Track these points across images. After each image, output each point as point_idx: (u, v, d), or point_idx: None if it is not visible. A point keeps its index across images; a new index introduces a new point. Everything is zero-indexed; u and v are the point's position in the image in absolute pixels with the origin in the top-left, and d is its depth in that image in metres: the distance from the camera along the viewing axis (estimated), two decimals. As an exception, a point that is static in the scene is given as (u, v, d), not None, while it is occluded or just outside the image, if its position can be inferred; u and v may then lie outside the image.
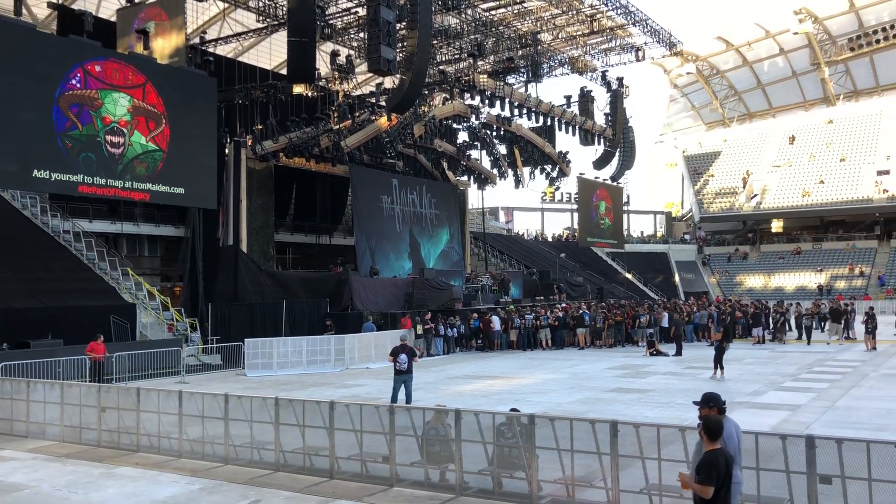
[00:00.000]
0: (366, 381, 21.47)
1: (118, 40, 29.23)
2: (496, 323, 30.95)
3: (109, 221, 32.53)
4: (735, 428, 6.70)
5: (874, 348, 26.91)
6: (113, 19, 32.00)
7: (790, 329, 33.82)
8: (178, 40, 28.93)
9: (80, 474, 11.00)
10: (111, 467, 11.41)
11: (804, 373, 21.18)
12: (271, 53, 42.72)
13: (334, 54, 34.13)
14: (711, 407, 6.64)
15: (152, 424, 12.41)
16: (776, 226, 69.33)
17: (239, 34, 37.79)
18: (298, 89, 34.49)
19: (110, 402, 13.12)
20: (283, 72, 37.58)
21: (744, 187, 69.73)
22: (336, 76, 34.45)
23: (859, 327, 29.72)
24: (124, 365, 21.57)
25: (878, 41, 69.43)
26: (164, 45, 28.91)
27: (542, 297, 40.35)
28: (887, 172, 63.10)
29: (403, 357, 15.87)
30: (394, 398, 15.70)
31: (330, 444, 10.40)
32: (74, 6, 34.12)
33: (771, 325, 32.20)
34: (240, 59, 40.68)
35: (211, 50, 35.68)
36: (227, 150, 34.18)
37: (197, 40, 35.72)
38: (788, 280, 61.32)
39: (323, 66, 36.38)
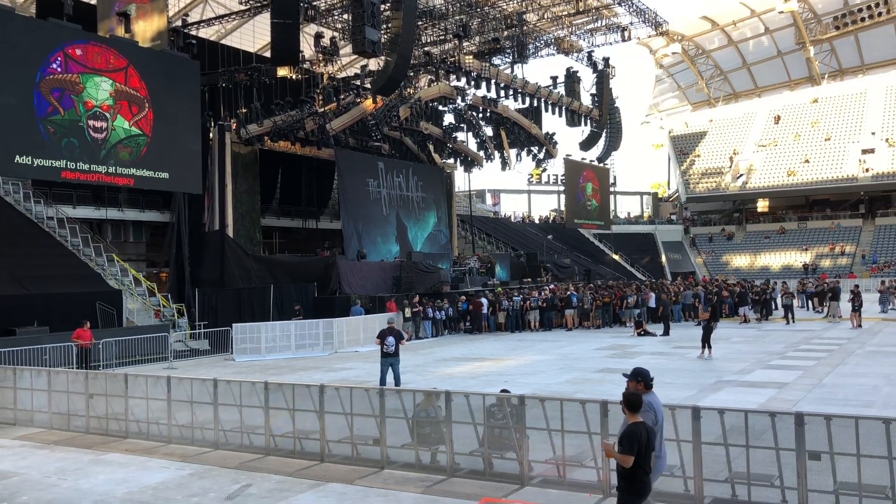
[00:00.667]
0: (355, 364, 21.47)
1: (99, 23, 28.83)
2: (484, 305, 30.99)
3: (94, 207, 32.24)
4: (658, 405, 6.85)
5: (860, 326, 27.15)
6: (93, 2, 31.53)
7: (776, 308, 34.09)
8: (160, 23, 28.62)
9: (69, 461, 10.94)
10: (100, 454, 11.36)
11: (791, 351, 21.34)
12: (255, 36, 42.30)
13: (318, 36, 33.85)
14: (639, 381, 6.80)
15: (141, 410, 12.35)
16: (762, 205, 69.64)
17: (221, 16, 37.38)
18: (283, 72, 34.20)
19: (98, 388, 13.05)
20: (267, 54, 37.28)
21: (730, 167, 69.94)
22: (320, 58, 34.18)
23: (845, 305, 29.94)
24: (111, 351, 21.46)
25: (862, 19, 69.57)
26: (145, 28, 28.58)
27: (529, 280, 40.42)
28: (872, 151, 63.43)
29: (391, 340, 15.87)
30: (382, 381, 15.70)
31: (320, 428, 10.39)
32: (53, -11, 33.58)
33: (750, 303, 32.47)
34: (223, 41, 40.24)
35: (193, 33, 35.26)
36: (211, 135, 33.92)
37: (179, 23, 35.30)
38: (774, 259, 61.69)
39: (307, 48, 36.03)
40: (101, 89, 24.93)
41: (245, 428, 11.25)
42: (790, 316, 30.04)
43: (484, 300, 31.33)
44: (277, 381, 11.39)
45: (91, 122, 24.64)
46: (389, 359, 15.92)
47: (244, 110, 34.69)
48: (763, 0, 70.32)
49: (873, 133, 65.51)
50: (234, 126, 34.16)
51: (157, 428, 12.16)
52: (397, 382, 15.67)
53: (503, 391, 9.81)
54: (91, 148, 24.62)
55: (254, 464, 10.39)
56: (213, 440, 11.44)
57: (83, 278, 26.91)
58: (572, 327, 30.79)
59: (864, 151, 63.79)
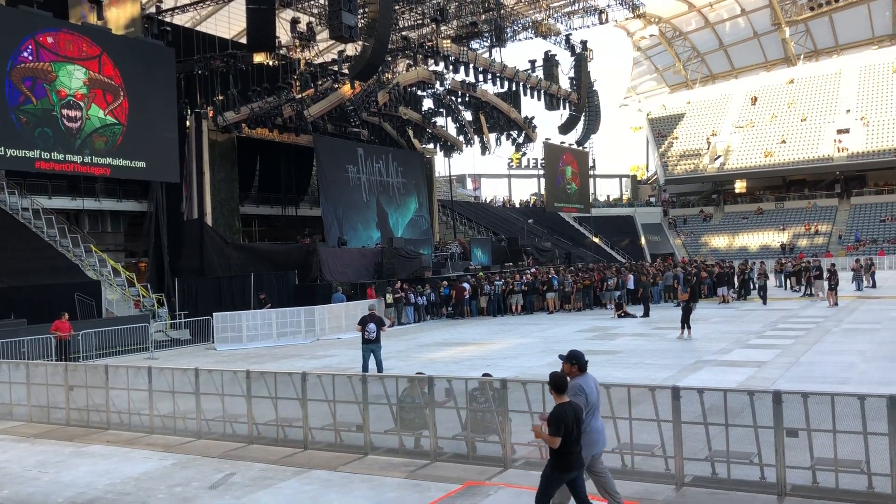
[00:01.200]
0: (337, 351, 21.46)
1: (70, 10, 28.38)
2: (466, 290, 31.05)
3: (69, 197, 31.85)
4: (594, 383, 7.12)
5: (836, 304, 27.49)
6: (64, -11, 31.06)
7: (754, 287, 34.44)
8: (134, 10, 28.24)
9: (49, 454, 10.88)
10: (81, 446, 11.30)
11: (769, 330, 21.59)
12: (230, 22, 41.82)
13: (294, 21, 33.55)
14: (573, 364, 7.03)
15: (122, 401, 12.29)
16: (739, 186, 70.13)
17: (196, 2, 36.93)
18: (259, 58, 33.90)
19: (78, 380, 12.96)
20: (243, 41, 36.91)
21: (707, 149, 70.33)
22: (297, 44, 33.91)
23: (822, 284, 30.31)
24: (91, 343, 21.30)
25: (836, 0, 69.98)
26: (118, 16, 28.19)
27: (510, 263, 40.53)
28: (847, 131, 64.02)
29: (372, 326, 15.89)
30: (364, 367, 15.73)
31: (303, 415, 10.39)
32: (23, -24, 33.00)
33: (736, 284, 32.83)
34: (198, 28, 39.75)
35: (168, 20, 34.82)
36: (187, 123, 33.60)
37: (153, 10, 34.78)
38: (752, 240, 62.24)
39: (283, 33, 35.69)
40: (74, 78, 24.60)
41: (228, 417, 11.22)
42: (763, 295, 30.32)
43: (466, 285, 31.38)
44: (259, 370, 11.37)
45: (65, 112, 24.33)
46: (371, 345, 15.95)
47: (221, 97, 34.36)
48: (739, -19, 70.61)
49: (848, 111, 66.16)
50: (210, 114, 33.84)
51: (139, 419, 12.11)
52: (380, 368, 15.71)
53: (485, 375, 9.86)
54: (65, 137, 24.32)
55: (237, 452, 10.38)
56: (196, 430, 11.41)
57: (61, 270, 26.63)
58: (553, 310, 30.95)
59: (840, 132, 64.39)
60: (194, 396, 11.47)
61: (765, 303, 29.82)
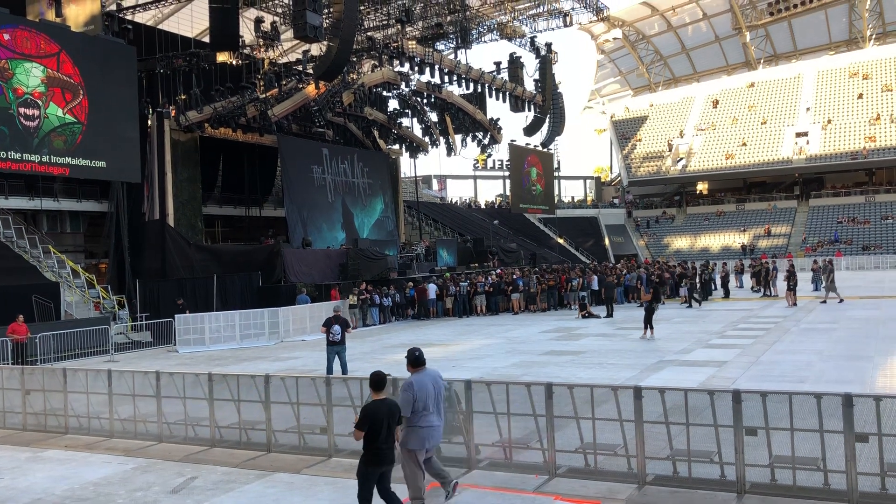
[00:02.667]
0: (301, 353, 21.32)
1: (28, 7, 27.83)
2: (431, 291, 31.03)
3: (27, 197, 31.22)
4: (431, 379, 7.46)
5: (795, 304, 27.99)
6: (21, -15, 30.45)
7: (715, 288, 34.94)
8: (93, 7, 27.76)
9: (4, 459, 10.64)
10: (38, 451, 11.08)
11: (730, 330, 21.91)
12: (192, 21, 41.31)
13: (258, 21, 33.20)
14: (410, 361, 7.53)
15: (81, 405, 12.07)
16: (701, 188, 71.16)
17: (158, 0, 36.43)
18: (222, 58, 33.57)
19: (35, 384, 12.70)
20: (206, 40, 36.48)
21: (670, 151, 71.23)
22: (261, 43, 33.59)
23: (781, 284, 30.85)
24: (49, 346, 20.90)
25: (795, 6, 71.47)
26: (78, 13, 27.69)
27: (476, 265, 40.60)
28: (805, 134, 65.31)
29: (336, 328, 15.82)
30: (329, 369, 15.64)
31: (266, 418, 10.30)
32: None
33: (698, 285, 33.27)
34: (160, 26, 39.25)
35: (129, 17, 34.31)
36: (149, 122, 33.14)
37: (113, 7, 34.22)
38: (714, 241, 63.15)
39: (247, 33, 35.36)
40: (31, 76, 24.13)
41: (189, 420, 11.09)
42: (689, 302, 30.44)
43: (432, 286, 31.37)
44: (222, 372, 11.26)
45: (22, 110, 23.84)
46: (336, 347, 15.88)
47: (183, 97, 33.96)
48: (701, -14, 71.68)
49: (808, 108, 67.53)
50: (172, 113, 33.42)
51: (99, 422, 11.90)
52: (344, 370, 15.63)
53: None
54: (23, 136, 23.84)
55: (199, 456, 10.26)
56: (157, 433, 11.25)
57: (17, 271, 26.09)
58: (518, 311, 31.08)
59: (799, 135, 65.68)
60: (155, 399, 11.31)
61: (690, 306, 30.05)
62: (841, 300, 28.40)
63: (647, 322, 20.93)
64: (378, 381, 7.07)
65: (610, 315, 27.26)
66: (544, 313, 30.62)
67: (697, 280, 33.34)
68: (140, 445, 11.01)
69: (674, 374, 14.85)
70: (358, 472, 7.01)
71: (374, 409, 6.86)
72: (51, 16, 27.08)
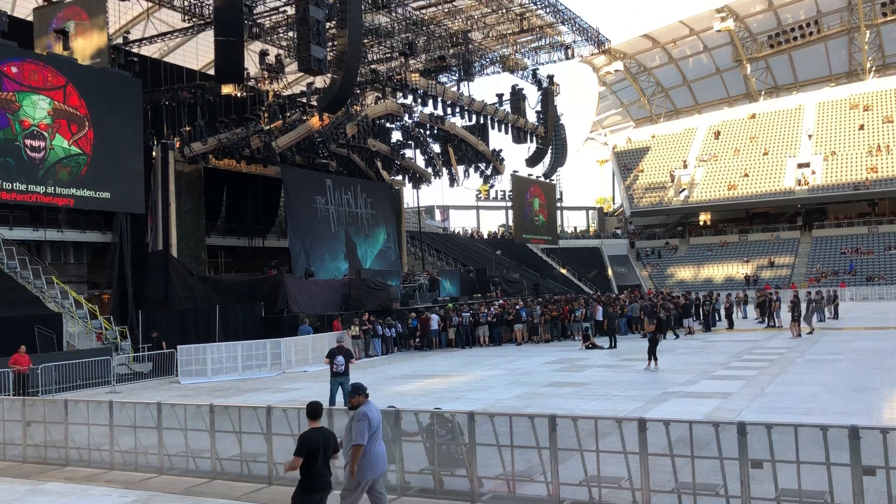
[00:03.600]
0: (303, 384, 21.22)
1: (35, 40, 28.23)
2: (434, 321, 30.97)
3: (32, 228, 31.31)
4: (376, 409, 7.86)
5: (799, 335, 27.86)
6: (29, 19, 30.87)
7: (719, 319, 34.82)
8: (100, 40, 28.09)
9: (3, 492, 10.55)
10: (38, 483, 10.99)
11: (734, 361, 21.79)
12: (198, 53, 41.80)
13: (263, 54, 33.59)
14: (360, 393, 7.83)
15: (82, 437, 12.00)
16: (704, 218, 71.25)
17: (164, 34, 36.86)
18: (227, 90, 33.82)
19: (36, 415, 12.65)
20: (211, 72, 36.85)
21: (672, 182, 71.43)
22: (265, 76, 33.91)
23: (785, 315, 30.73)
24: (51, 376, 20.83)
25: (795, 38, 72.16)
26: (84, 46, 28.03)
27: (479, 295, 40.55)
28: (807, 165, 65.51)
29: (340, 359, 15.77)
30: (332, 401, 15.56)
31: (268, 450, 10.23)
32: (-12, 5, 32.77)
33: (701, 316, 33.19)
34: (165, 59, 39.70)
35: (135, 50, 34.72)
36: (154, 153, 33.34)
37: (120, 40, 34.70)
38: (717, 271, 63.05)
39: (252, 65, 35.76)
40: (38, 108, 24.34)
41: (190, 452, 11.01)
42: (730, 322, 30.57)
43: (435, 316, 31.30)
44: (223, 404, 11.20)
45: (28, 142, 24.02)
46: (339, 378, 15.80)
47: (188, 128, 34.19)
48: (701, 19, 72.42)
49: (810, 136, 67.81)
50: (177, 144, 33.63)
51: (99, 454, 11.83)
52: (347, 402, 15.52)
53: (436, 409, 9.82)
54: (28, 168, 23.98)
55: (200, 488, 10.17)
56: (158, 465, 11.17)
57: (21, 302, 26.08)
58: (522, 342, 30.96)
59: (800, 165, 65.87)
60: (156, 431, 11.24)
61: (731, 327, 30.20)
62: (811, 331, 28.56)
63: (651, 353, 20.83)
64: (314, 410, 7.38)
65: (613, 346, 27.14)
66: (547, 344, 30.50)
67: (700, 310, 33.27)
68: (141, 477, 10.93)
69: (678, 405, 14.75)
70: (294, 499, 7.14)
71: (311, 436, 7.09)
72: (58, 49, 27.42)
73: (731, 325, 33.46)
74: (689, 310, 32.68)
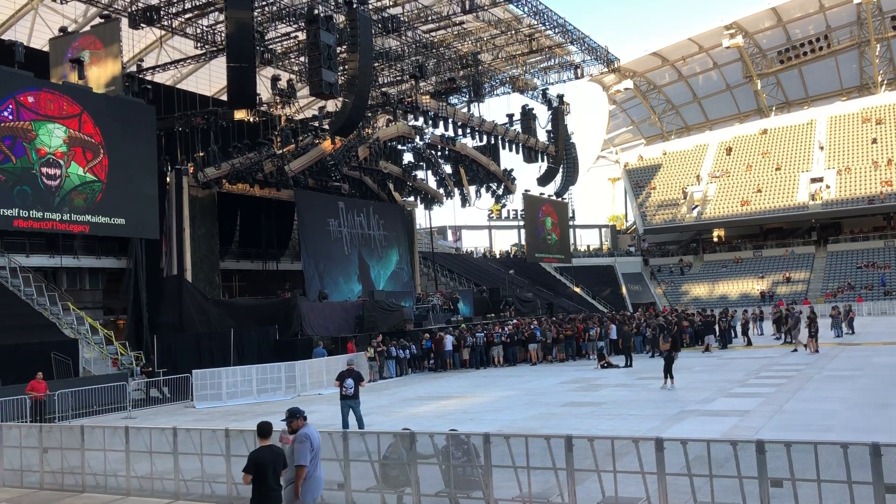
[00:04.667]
0: (318, 407, 21.18)
1: (51, 70, 28.62)
2: (448, 342, 30.88)
3: (48, 255, 31.60)
4: (316, 432, 8.11)
5: (817, 351, 27.58)
6: (45, 49, 31.34)
7: (735, 336, 34.56)
8: (114, 69, 28.46)
9: (22, 519, 10.58)
10: (55, 510, 11.01)
11: (752, 378, 21.60)
12: (211, 80, 42.28)
13: (275, 79, 33.93)
14: (297, 417, 8.02)
15: (98, 463, 12.02)
16: (717, 235, 70.93)
17: (177, 61, 37.34)
18: (240, 115, 34.17)
19: (53, 441, 12.69)
20: (224, 98, 37.21)
21: (685, 198, 71.25)
22: (278, 101, 34.25)
23: (802, 331, 30.44)
24: (67, 403, 20.90)
25: (805, 54, 72.10)
26: (99, 74, 28.40)
27: (492, 315, 40.46)
28: (821, 180, 65.22)
29: (349, 382, 15.70)
30: (344, 424, 15.50)
31: (283, 474, 10.20)
32: (4, 37, 33.31)
33: (717, 333, 32.95)
34: (179, 86, 40.16)
35: (149, 78, 35.15)
36: (168, 179, 33.64)
37: (134, 68, 35.18)
38: (732, 288, 62.66)
39: (264, 90, 36.12)
40: (54, 136, 24.65)
41: (206, 477, 11.00)
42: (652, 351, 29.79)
43: (449, 337, 31.23)
44: (239, 428, 11.20)
45: (44, 170, 24.30)
46: (349, 401, 15.74)
47: (201, 154, 34.51)
48: (710, 36, 72.51)
49: (822, 148, 67.47)
50: (191, 170, 33.93)
51: (116, 480, 11.83)
52: (360, 425, 15.49)
53: (451, 430, 9.78)
54: (44, 195, 24.25)
55: (216, 514, 10.15)
56: (174, 490, 11.17)
57: (37, 328, 26.26)
58: (536, 362, 30.82)
59: (814, 180, 65.59)
60: (172, 456, 11.25)
61: (654, 356, 29.49)
62: (794, 350, 28.56)
63: (667, 371, 20.69)
64: (264, 429, 7.66)
65: (629, 365, 26.98)
66: (562, 363, 30.35)
67: (717, 327, 33.03)
68: (157, 503, 10.91)
69: (696, 424, 14.61)
70: None
71: (259, 454, 7.46)
72: (74, 78, 27.79)
73: (749, 343, 33.17)
74: (710, 327, 32.35)
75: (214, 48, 33.64)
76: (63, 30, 30.42)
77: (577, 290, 62.16)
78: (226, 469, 10.69)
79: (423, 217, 52.30)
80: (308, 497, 7.68)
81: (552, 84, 46.19)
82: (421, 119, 38.08)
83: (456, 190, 46.37)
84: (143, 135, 28.11)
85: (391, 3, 33.60)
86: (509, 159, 45.37)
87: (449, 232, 78.85)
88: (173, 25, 31.85)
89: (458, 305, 40.06)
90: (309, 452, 7.67)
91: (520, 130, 44.36)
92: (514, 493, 8.94)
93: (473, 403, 20.00)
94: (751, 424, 14.11)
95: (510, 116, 44.64)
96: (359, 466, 9.86)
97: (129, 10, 30.29)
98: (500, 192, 47.86)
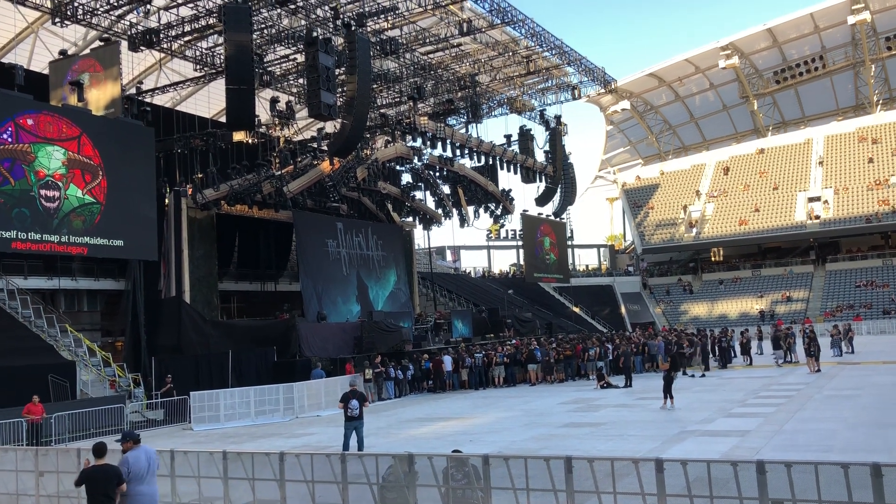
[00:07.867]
0: (316, 429, 21.08)
1: (51, 92, 28.73)
2: (447, 363, 30.78)
3: (46, 277, 31.56)
4: (145, 453, 8.98)
5: (818, 370, 27.52)
6: (45, 72, 31.47)
7: (735, 355, 34.49)
8: (114, 91, 28.58)
9: (17, 544, 10.48)
10: (51, 535, 10.90)
11: (751, 398, 21.52)
12: (210, 102, 42.48)
13: (274, 101, 34.12)
14: (127, 440, 8.97)
15: (94, 487, 11.91)
16: (716, 254, 70.96)
17: (176, 83, 37.54)
18: (239, 137, 34.30)
19: (49, 465, 12.58)
20: (223, 119, 37.41)
21: (683, 218, 71.38)
22: (276, 122, 34.41)
23: (801, 350, 30.41)
24: (64, 425, 20.79)
25: (801, 74, 72.61)
26: (99, 97, 28.50)
27: (492, 335, 40.38)
28: (818, 199, 65.40)
29: (354, 403, 15.63)
30: (345, 446, 15.41)
31: (281, 497, 10.13)
32: (4, 60, 33.50)
33: (717, 352, 32.89)
34: (178, 108, 40.34)
35: (148, 100, 35.31)
36: (166, 200, 33.70)
37: (133, 91, 35.33)
38: (731, 307, 62.63)
39: (263, 112, 36.29)
40: (53, 158, 24.70)
41: (203, 499, 10.91)
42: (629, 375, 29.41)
43: (447, 357, 31.13)
44: (236, 450, 11.12)
45: (43, 192, 24.33)
46: (354, 422, 15.65)
47: (200, 175, 34.60)
48: (706, 57, 73.01)
49: (819, 164, 67.67)
50: (189, 191, 34.00)
51: (112, 504, 11.72)
52: (360, 446, 15.41)
53: (455, 451, 9.72)
54: (43, 217, 24.25)
55: (213, 537, 10.06)
56: (171, 514, 11.07)
57: (34, 351, 26.17)
58: (536, 382, 30.72)
59: (811, 199, 65.77)
60: (169, 479, 11.16)
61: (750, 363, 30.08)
62: (778, 365, 28.96)
63: (667, 391, 20.62)
64: (99, 449, 8.68)
65: (629, 385, 26.89)
66: (562, 384, 30.25)
67: (716, 347, 32.97)
68: (153, 527, 10.80)
69: (696, 444, 14.54)
70: None
71: (91, 471, 8.47)
72: (73, 100, 27.88)
73: (750, 362, 33.07)
74: (703, 349, 32.29)
75: (213, 70, 33.84)
76: (63, 53, 30.58)
77: (577, 309, 62.10)
78: (223, 492, 10.61)
79: (421, 237, 52.45)
80: None
81: (550, 105, 46.53)
82: (419, 140, 38.25)
83: (454, 210, 46.47)
84: (142, 157, 28.18)
85: (389, 26, 33.85)
86: (507, 179, 45.95)
87: (448, 252, 78.94)
88: (172, 48, 32.07)
89: (451, 324, 39.94)
90: (125, 475, 8.58)
91: (518, 151, 44.55)
92: (514, 516, 8.87)
93: (473, 424, 19.91)
94: (751, 445, 14.04)
95: (508, 137, 44.84)
96: (357, 489, 9.79)
97: (129, 33, 30.51)
98: (498, 212, 47.97)
